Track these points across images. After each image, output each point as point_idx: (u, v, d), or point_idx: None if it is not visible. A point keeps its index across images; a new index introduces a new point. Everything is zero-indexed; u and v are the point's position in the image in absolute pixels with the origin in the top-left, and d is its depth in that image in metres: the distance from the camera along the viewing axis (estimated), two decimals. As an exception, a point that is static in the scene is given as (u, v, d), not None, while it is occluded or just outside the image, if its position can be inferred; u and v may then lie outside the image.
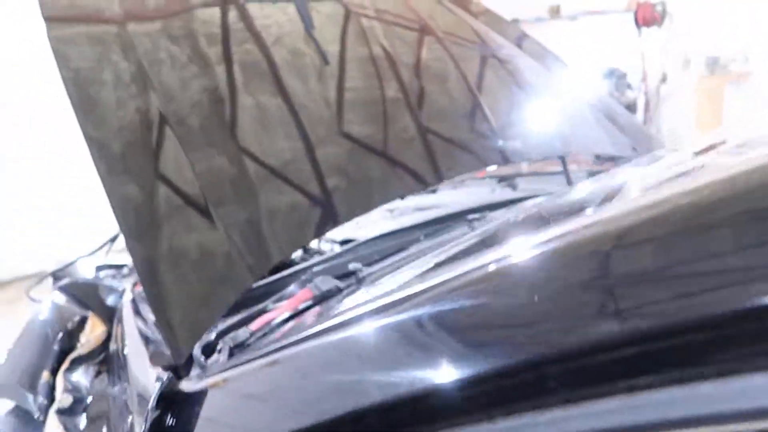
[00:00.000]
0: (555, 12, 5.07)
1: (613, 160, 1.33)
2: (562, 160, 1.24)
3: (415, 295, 0.52)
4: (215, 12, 1.09)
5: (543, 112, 1.33)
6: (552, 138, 1.32)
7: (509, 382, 0.40)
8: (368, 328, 0.52)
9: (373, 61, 1.29)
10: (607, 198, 0.65)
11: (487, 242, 0.70)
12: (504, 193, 1.30)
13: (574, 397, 0.38)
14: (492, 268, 0.49)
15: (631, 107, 4.53)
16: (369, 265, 0.96)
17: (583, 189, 0.93)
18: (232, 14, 1.12)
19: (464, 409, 0.42)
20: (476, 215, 1.09)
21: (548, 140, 1.33)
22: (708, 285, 0.36)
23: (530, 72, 1.38)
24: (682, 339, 0.35)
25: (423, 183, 1.25)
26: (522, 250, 0.49)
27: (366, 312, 0.55)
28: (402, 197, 1.18)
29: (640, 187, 0.66)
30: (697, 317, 0.35)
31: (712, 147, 0.71)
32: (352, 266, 0.94)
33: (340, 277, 0.91)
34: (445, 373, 0.43)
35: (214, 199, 0.93)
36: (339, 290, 0.86)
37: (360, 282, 0.90)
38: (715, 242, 0.38)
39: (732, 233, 0.37)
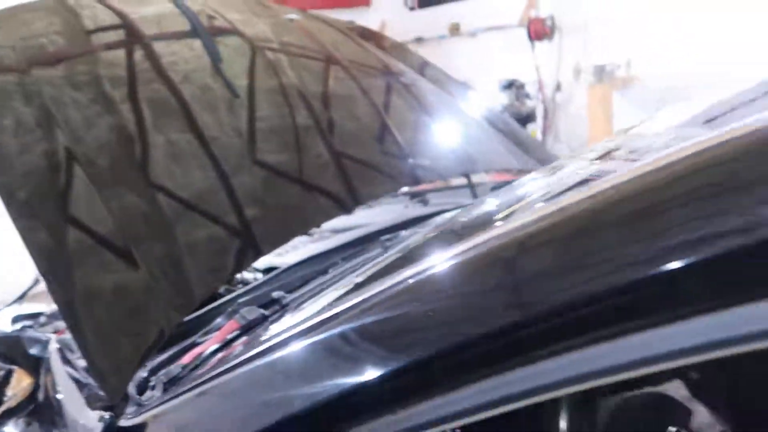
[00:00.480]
0: (455, 29, 5.35)
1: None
2: (467, 176, 1.34)
3: (337, 314, 0.58)
4: (120, 54, 1.10)
5: (448, 132, 1.43)
6: (459, 156, 1.43)
7: (417, 376, 0.47)
8: (291, 347, 0.58)
9: (282, 92, 1.33)
10: (511, 208, 0.73)
11: (404, 259, 0.77)
12: (416, 209, 1.38)
13: (468, 380, 0.45)
14: (411, 281, 0.55)
15: (531, 115, 4.86)
16: (291, 291, 1.00)
17: (489, 202, 1.02)
18: (138, 54, 1.13)
19: (378, 403, 0.49)
20: (389, 236, 1.16)
21: (456, 159, 1.43)
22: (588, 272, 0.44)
23: (434, 96, 1.48)
24: (566, 318, 0.43)
25: (342, 207, 1.30)
26: (438, 262, 0.56)
27: (289, 335, 0.60)
28: (318, 225, 1.23)
29: (542, 196, 0.75)
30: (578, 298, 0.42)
31: (608, 153, 0.80)
32: (275, 294, 0.98)
33: (264, 306, 0.95)
34: (362, 375, 0.50)
35: (130, 237, 0.93)
36: (265, 318, 0.89)
37: (284, 308, 0.94)
38: (595, 241, 0.46)
39: (603, 236, 0.46)
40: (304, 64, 1.38)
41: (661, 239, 0.41)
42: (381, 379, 0.49)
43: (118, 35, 1.13)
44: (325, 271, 1.11)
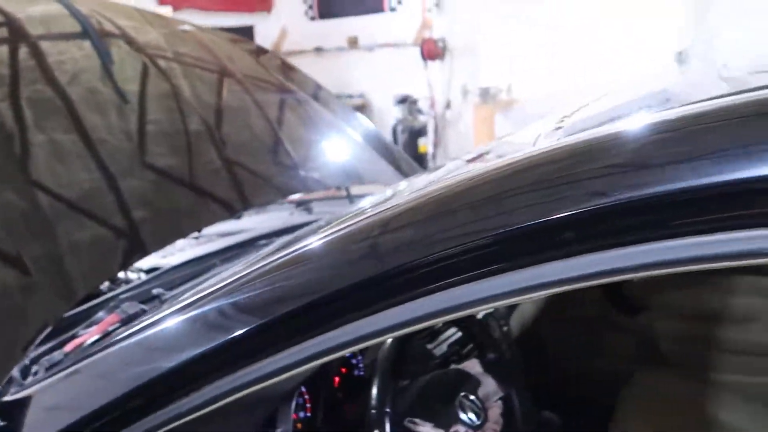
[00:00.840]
0: (353, 43, 5.52)
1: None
2: (346, 188, 1.46)
3: (201, 296, 0.67)
4: (3, 50, 1.09)
5: (336, 149, 1.55)
6: (345, 170, 1.54)
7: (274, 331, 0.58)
8: (152, 329, 0.68)
9: (174, 98, 1.37)
10: (380, 203, 0.84)
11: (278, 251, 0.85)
12: (300, 216, 1.48)
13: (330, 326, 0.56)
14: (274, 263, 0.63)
15: (422, 130, 5.14)
16: (171, 289, 1.06)
17: (363, 202, 1.13)
18: (23, 51, 1.12)
19: (236, 358, 0.59)
20: (265, 241, 1.25)
21: (342, 172, 1.54)
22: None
23: (324, 115, 1.59)
24: (408, 277, 0.53)
25: (230, 211, 1.36)
26: (308, 243, 0.65)
27: (153, 320, 0.70)
28: (205, 227, 1.29)
29: (408, 190, 0.86)
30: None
31: (480, 156, 0.92)
32: (155, 291, 1.03)
33: (145, 302, 1.00)
34: (219, 339, 0.60)
35: (8, 234, 0.94)
36: (144, 312, 0.95)
37: (163, 304, 0.99)
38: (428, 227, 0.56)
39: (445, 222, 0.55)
40: (198, 74, 1.43)
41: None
42: (237, 340, 0.59)
43: (0, 33, 1.12)
44: (204, 271, 1.17)
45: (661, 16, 4.27)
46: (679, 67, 4.34)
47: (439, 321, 0.54)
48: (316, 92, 1.61)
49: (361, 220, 0.61)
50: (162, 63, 1.37)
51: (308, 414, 0.89)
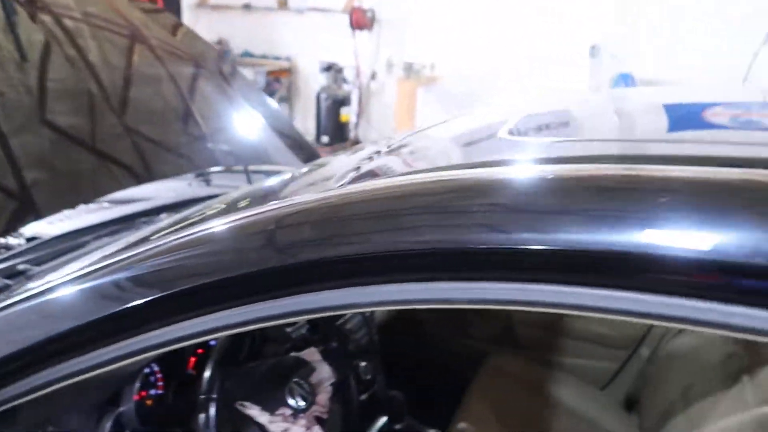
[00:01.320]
0: (283, 4, 5.38)
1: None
2: (245, 168, 1.51)
3: (102, 266, 0.68)
4: None
5: (245, 128, 1.58)
6: (252, 149, 1.57)
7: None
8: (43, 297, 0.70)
9: (80, 59, 1.34)
10: (276, 191, 0.87)
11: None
12: (198, 188, 1.49)
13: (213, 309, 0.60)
14: (192, 237, 0.64)
15: (346, 99, 5.15)
16: (39, 264, 1.04)
17: (268, 183, 1.14)
18: None
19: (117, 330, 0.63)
20: (146, 219, 1.25)
21: (249, 150, 1.57)
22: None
23: (236, 95, 1.61)
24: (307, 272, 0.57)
25: (135, 178, 1.35)
26: (215, 227, 0.66)
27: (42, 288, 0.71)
28: (108, 193, 1.29)
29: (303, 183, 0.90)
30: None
31: (397, 147, 0.90)
32: (21, 267, 1.02)
33: (10, 277, 0.98)
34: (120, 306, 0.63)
35: None
36: (7, 287, 0.93)
37: (28, 279, 0.97)
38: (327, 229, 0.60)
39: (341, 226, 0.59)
40: (107, 37, 1.41)
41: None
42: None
43: None
44: (76, 248, 1.14)
45: (587, 6, 4.45)
46: (592, 60, 4.58)
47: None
48: (232, 71, 1.63)
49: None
50: (69, 23, 1.34)
51: (159, 392, 0.92)
